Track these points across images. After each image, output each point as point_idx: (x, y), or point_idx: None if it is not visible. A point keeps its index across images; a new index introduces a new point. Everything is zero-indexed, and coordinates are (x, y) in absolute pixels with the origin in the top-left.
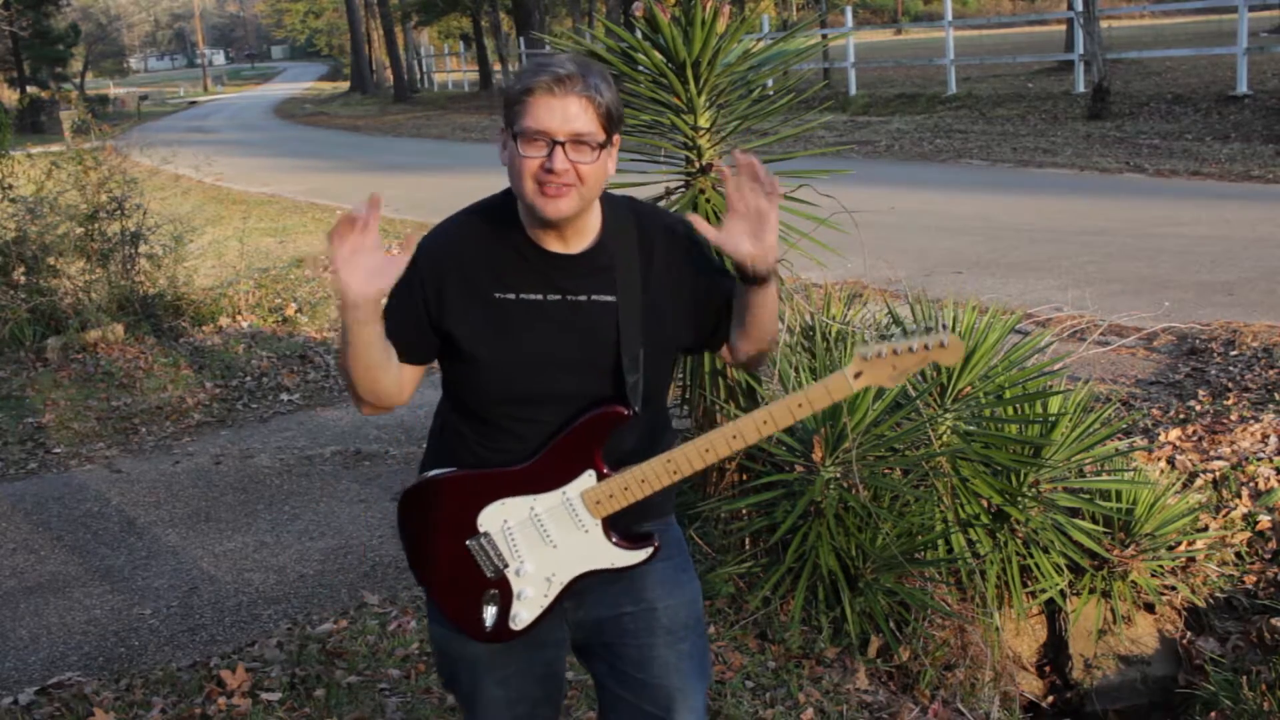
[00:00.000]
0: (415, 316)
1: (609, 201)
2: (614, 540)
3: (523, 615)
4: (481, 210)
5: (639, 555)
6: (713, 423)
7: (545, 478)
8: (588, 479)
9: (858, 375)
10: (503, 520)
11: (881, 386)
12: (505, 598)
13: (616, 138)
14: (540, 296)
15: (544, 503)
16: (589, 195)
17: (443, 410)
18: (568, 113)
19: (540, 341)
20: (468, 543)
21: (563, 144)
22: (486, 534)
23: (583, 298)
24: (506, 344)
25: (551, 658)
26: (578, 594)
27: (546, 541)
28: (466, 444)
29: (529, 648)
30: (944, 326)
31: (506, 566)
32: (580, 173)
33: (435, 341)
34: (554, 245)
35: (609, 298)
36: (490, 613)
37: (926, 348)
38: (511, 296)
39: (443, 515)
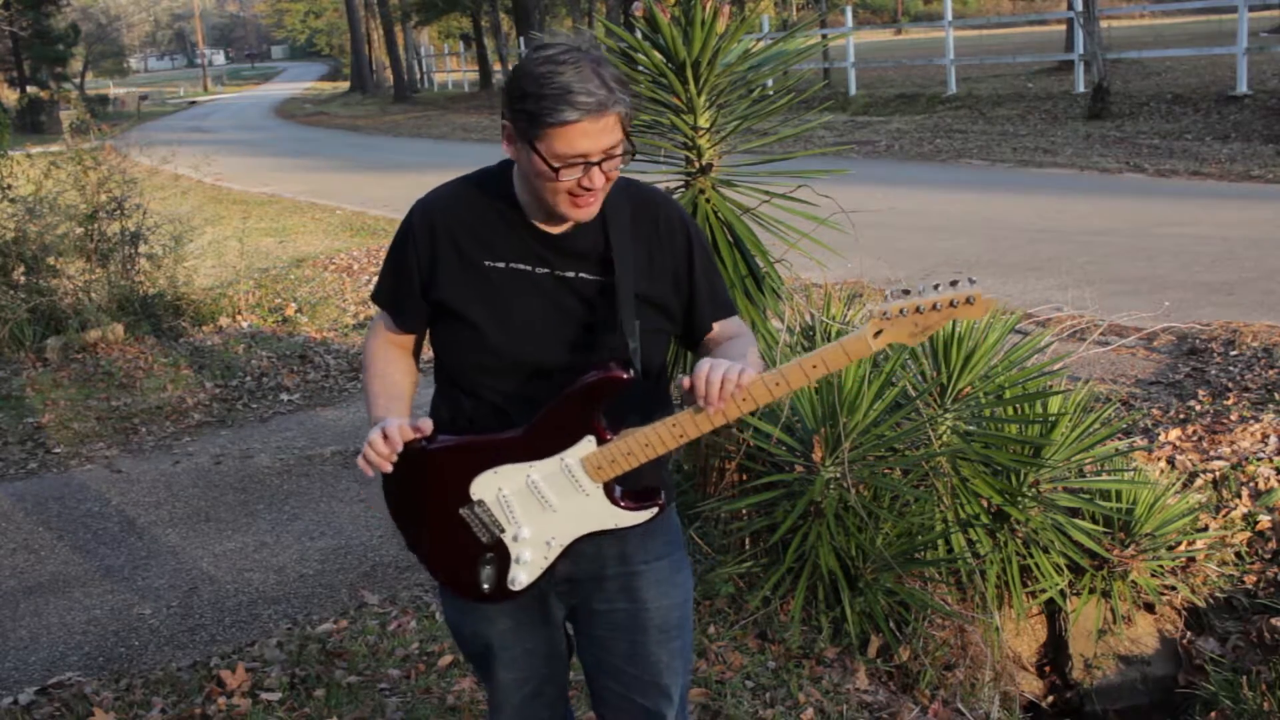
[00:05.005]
0: (409, 282)
1: None
2: (617, 501)
3: (521, 578)
4: (477, 179)
5: (643, 515)
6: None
7: (542, 444)
8: (588, 444)
9: (877, 334)
10: (498, 489)
11: (903, 344)
12: (502, 561)
13: None
14: (529, 268)
15: (541, 469)
16: (608, 189)
17: (438, 388)
18: (602, 137)
19: (528, 311)
20: (461, 511)
21: (598, 163)
22: (481, 502)
23: (570, 274)
24: (495, 312)
25: (554, 637)
26: (573, 556)
27: (546, 507)
28: (458, 419)
29: (533, 629)
30: (971, 281)
31: (503, 532)
32: (609, 176)
33: (426, 308)
34: (540, 222)
35: (597, 277)
36: (487, 574)
37: (953, 304)
38: (501, 265)
39: (432, 485)
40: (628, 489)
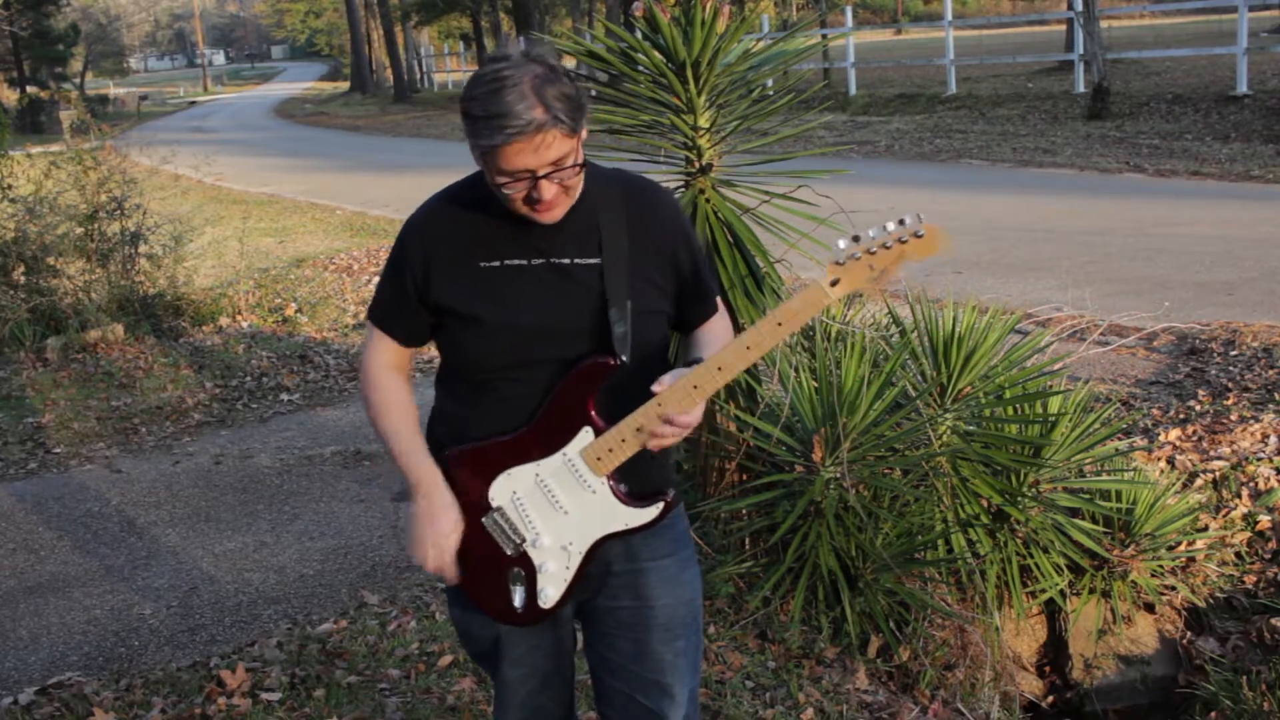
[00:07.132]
0: (407, 299)
1: (594, 174)
2: (624, 499)
3: (549, 591)
4: (456, 189)
5: (651, 512)
6: (711, 421)
7: (544, 441)
8: (585, 436)
9: (834, 283)
10: (512, 491)
11: (863, 292)
12: (530, 574)
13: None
14: (524, 261)
15: (547, 467)
16: (576, 193)
17: (438, 403)
18: (541, 153)
19: (530, 304)
20: (484, 520)
21: (544, 176)
22: (500, 508)
23: (566, 260)
24: (497, 307)
25: (561, 635)
26: (589, 573)
27: (557, 508)
28: (462, 421)
29: (539, 626)
30: (919, 216)
31: (524, 541)
32: (565, 186)
33: (429, 319)
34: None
35: (593, 260)
36: (519, 593)
37: (902, 240)
38: (496, 264)
39: (456, 496)
40: (633, 487)
